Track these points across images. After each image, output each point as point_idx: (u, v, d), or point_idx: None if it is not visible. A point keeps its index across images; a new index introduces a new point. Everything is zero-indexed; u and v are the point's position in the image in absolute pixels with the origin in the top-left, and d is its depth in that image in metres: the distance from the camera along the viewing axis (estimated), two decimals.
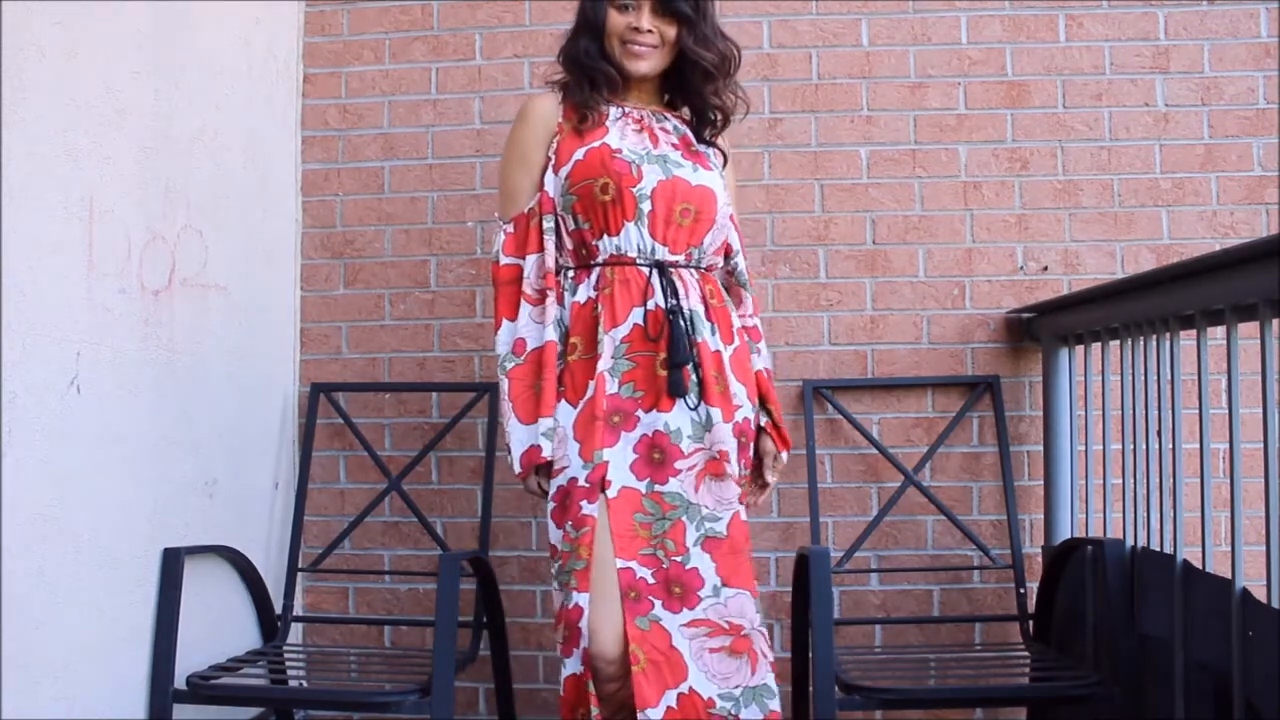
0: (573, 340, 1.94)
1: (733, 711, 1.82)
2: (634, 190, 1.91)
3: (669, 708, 1.79)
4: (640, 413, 1.89)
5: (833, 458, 2.67)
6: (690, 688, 1.81)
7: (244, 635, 2.43)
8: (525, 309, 1.96)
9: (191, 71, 2.25)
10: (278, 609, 2.52)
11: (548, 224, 1.97)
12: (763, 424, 2.02)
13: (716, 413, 1.88)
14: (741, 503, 1.92)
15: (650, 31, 1.94)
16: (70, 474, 1.85)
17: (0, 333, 1.67)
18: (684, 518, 1.86)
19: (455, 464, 2.73)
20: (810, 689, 2.09)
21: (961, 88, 2.71)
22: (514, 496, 2.62)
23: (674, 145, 1.99)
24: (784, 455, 2.04)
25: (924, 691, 2.19)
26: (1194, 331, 1.83)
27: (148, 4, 2.09)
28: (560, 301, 1.97)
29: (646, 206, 1.92)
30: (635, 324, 1.90)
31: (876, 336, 2.68)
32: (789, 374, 2.64)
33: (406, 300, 2.77)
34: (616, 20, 1.95)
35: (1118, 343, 2.18)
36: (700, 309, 1.94)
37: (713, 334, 1.94)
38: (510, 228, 2.00)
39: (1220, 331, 1.76)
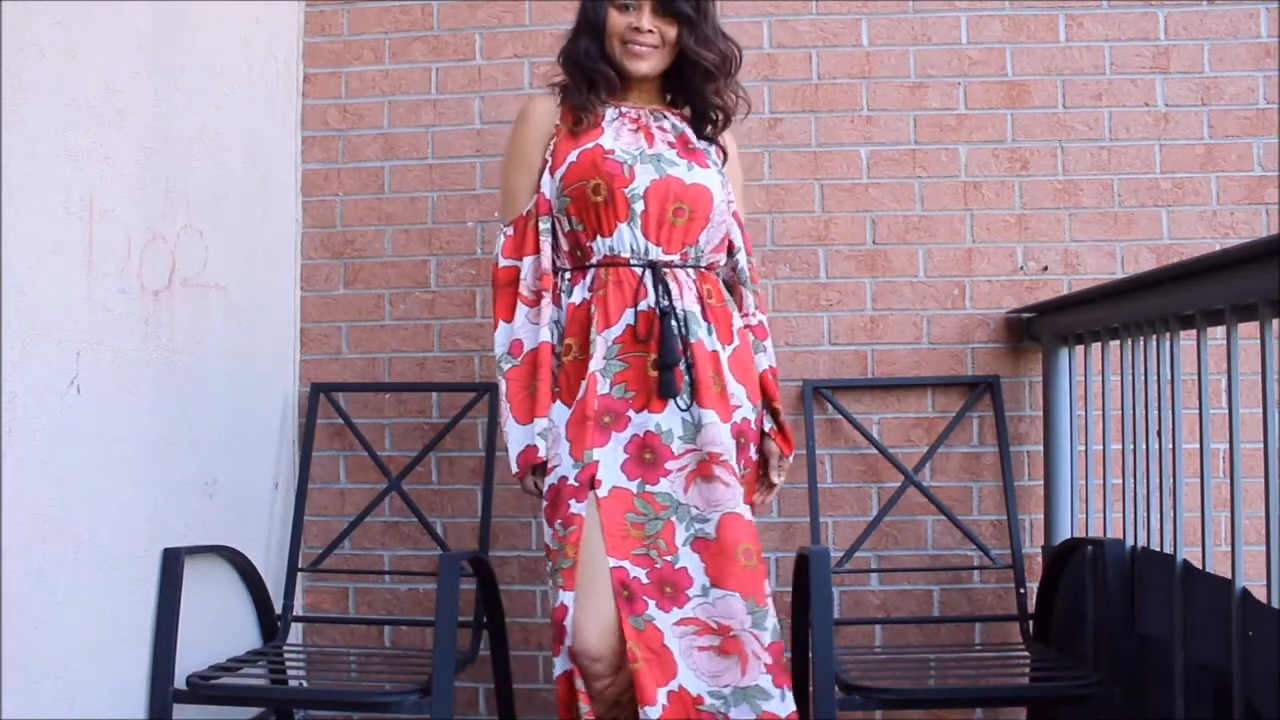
0: (568, 341, 1.95)
1: (721, 710, 1.82)
2: (626, 191, 1.91)
3: (663, 705, 1.80)
4: (631, 413, 1.89)
5: (833, 458, 2.67)
6: (680, 685, 1.82)
7: (244, 635, 2.43)
8: (521, 310, 1.97)
9: (191, 71, 2.25)
10: (278, 609, 2.52)
11: (544, 225, 1.98)
12: (766, 429, 2.01)
13: (708, 414, 1.87)
14: (747, 503, 1.92)
15: (651, 31, 1.95)
16: (70, 474, 1.85)
17: (0, 333, 1.67)
18: (674, 518, 1.87)
19: (455, 464, 2.73)
20: (810, 689, 2.09)
21: (961, 88, 2.71)
22: (514, 496, 2.62)
23: (670, 144, 1.99)
24: (789, 458, 2.03)
25: (924, 691, 2.19)
26: (1194, 331, 1.83)
27: (148, 4, 2.09)
28: (557, 302, 1.98)
29: (639, 206, 1.92)
30: (627, 324, 1.91)
31: (876, 336, 2.68)
32: (789, 374, 2.64)
33: (406, 300, 2.77)
34: (617, 20, 1.95)
35: (1118, 343, 2.18)
36: (696, 309, 1.94)
37: (709, 334, 1.94)
38: (510, 230, 2.01)
39: (1220, 331, 1.76)
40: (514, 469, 1.94)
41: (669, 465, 1.88)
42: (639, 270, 1.93)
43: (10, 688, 1.68)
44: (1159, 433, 2.02)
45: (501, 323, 1.98)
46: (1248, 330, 1.69)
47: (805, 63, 2.73)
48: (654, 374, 1.88)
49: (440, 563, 2.08)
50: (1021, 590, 2.51)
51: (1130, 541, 2.08)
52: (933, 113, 2.71)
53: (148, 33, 2.09)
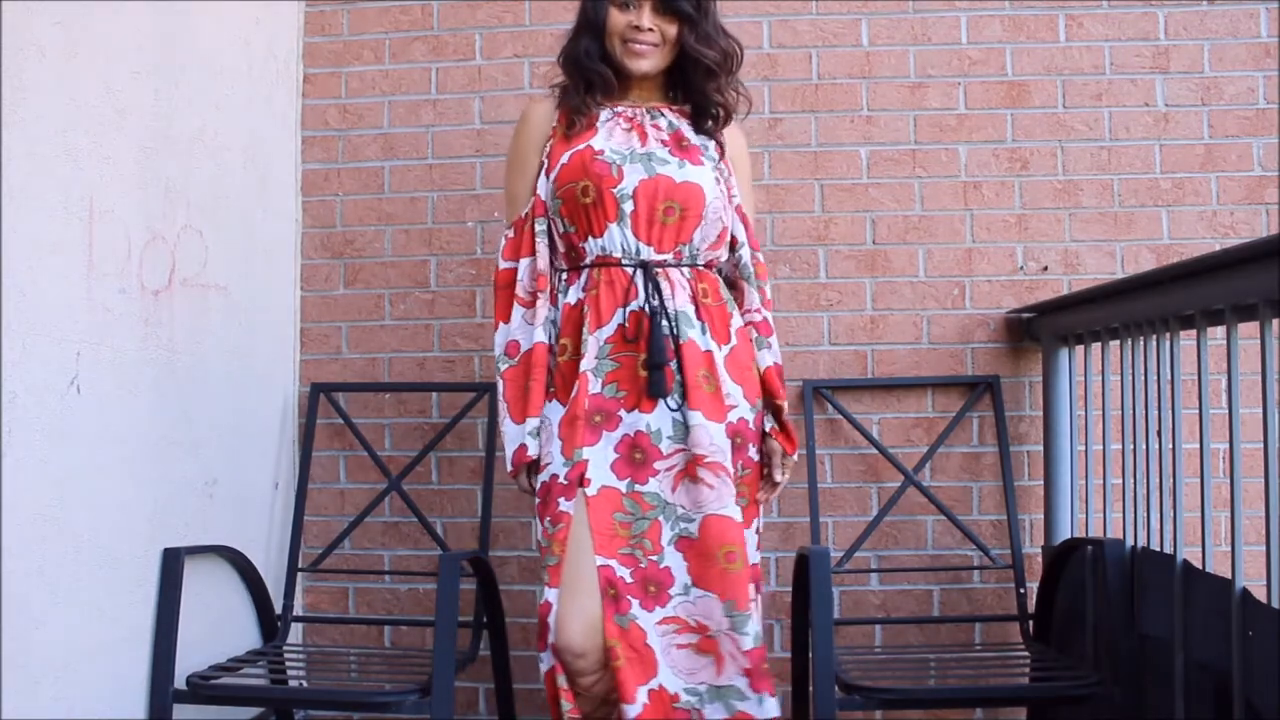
0: (563, 341, 1.96)
1: (696, 707, 1.84)
2: (614, 191, 1.92)
3: (644, 704, 1.81)
4: (622, 412, 1.90)
5: (833, 458, 2.67)
6: (660, 684, 1.84)
7: (244, 635, 2.43)
8: (518, 311, 1.99)
9: (191, 71, 2.25)
10: (278, 609, 2.52)
11: (539, 227, 2.00)
12: (768, 429, 2.00)
13: (695, 415, 1.88)
14: (750, 502, 1.93)
15: (651, 30, 1.95)
16: (70, 474, 1.85)
17: (0, 333, 1.67)
18: (661, 517, 1.88)
19: (455, 464, 2.73)
20: (810, 689, 2.09)
21: (961, 88, 2.71)
22: (514, 496, 2.62)
23: (663, 142, 1.98)
24: (793, 456, 2.01)
25: (924, 691, 2.19)
26: (1194, 331, 1.83)
27: (148, 4, 2.09)
28: (554, 303, 1.99)
29: (629, 207, 1.92)
30: (618, 324, 1.92)
31: (876, 336, 2.68)
32: (789, 374, 2.64)
33: (406, 300, 2.77)
34: (617, 19, 1.96)
35: (1118, 343, 2.18)
36: (689, 308, 1.94)
37: (703, 333, 1.93)
38: (510, 232, 2.03)
39: (1220, 331, 1.76)
40: (509, 467, 1.97)
41: (658, 465, 1.89)
42: (630, 270, 1.94)
43: (10, 688, 1.68)
44: (1159, 433, 2.02)
45: (500, 324, 2.00)
46: (1248, 330, 1.69)
47: (805, 63, 2.73)
48: (644, 374, 1.89)
49: (440, 563, 2.08)
50: (1021, 590, 2.51)
51: (1130, 541, 2.08)
52: (933, 113, 2.71)
53: (148, 33, 2.09)
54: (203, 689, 2.07)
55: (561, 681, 1.84)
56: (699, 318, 1.94)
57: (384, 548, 2.73)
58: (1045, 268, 2.67)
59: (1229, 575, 1.68)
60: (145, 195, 2.08)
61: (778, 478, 2.00)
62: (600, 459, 1.88)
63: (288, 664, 2.46)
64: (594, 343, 1.91)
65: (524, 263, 2.00)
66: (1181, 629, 1.82)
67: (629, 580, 1.85)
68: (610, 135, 1.97)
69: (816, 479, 2.60)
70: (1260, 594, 1.63)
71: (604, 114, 2.00)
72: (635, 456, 1.89)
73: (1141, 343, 2.06)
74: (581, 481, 1.86)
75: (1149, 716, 1.94)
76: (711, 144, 2.03)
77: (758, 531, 1.97)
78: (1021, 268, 2.68)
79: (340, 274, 2.79)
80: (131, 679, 2.03)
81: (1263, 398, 1.60)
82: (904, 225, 2.69)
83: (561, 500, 1.86)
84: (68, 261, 1.85)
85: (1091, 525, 2.36)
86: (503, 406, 1.97)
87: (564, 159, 1.96)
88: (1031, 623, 2.45)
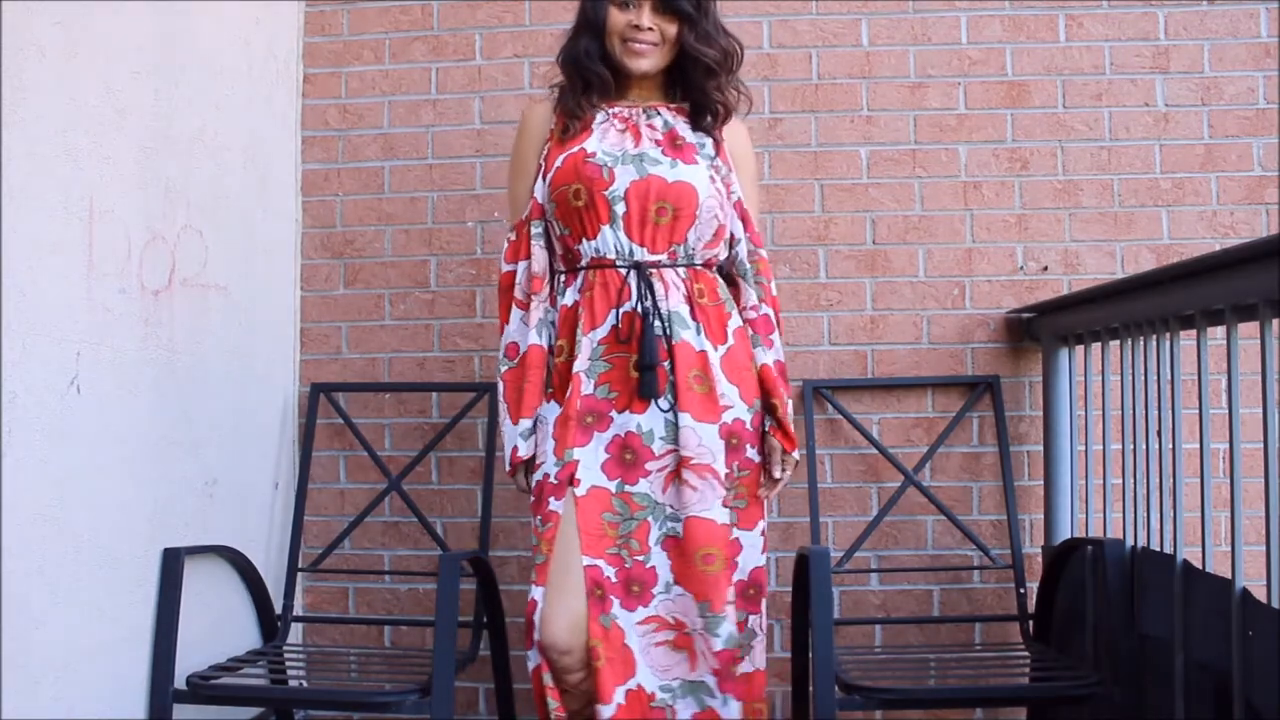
0: (560, 343, 1.98)
1: (669, 703, 1.87)
2: (606, 193, 1.93)
3: (619, 705, 1.83)
4: (614, 413, 1.92)
5: (833, 458, 2.67)
6: (638, 684, 1.86)
7: (244, 635, 2.43)
8: (516, 314, 2.01)
9: (191, 71, 2.25)
10: (278, 609, 2.52)
11: (535, 230, 2.01)
12: (767, 427, 2.00)
13: (685, 417, 1.89)
14: (741, 501, 1.93)
15: (651, 29, 1.96)
16: (70, 474, 1.85)
17: (0, 333, 1.67)
18: (650, 518, 1.90)
19: (455, 464, 2.73)
20: (810, 689, 2.09)
21: (961, 88, 2.71)
22: (514, 496, 2.62)
23: (656, 142, 1.98)
24: (794, 454, 2.00)
25: (924, 691, 2.19)
26: (1194, 331, 1.83)
27: (148, 4, 2.09)
28: (553, 304, 2.02)
29: (620, 208, 1.93)
30: (611, 326, 1.92)
31: (876, 336, 2.68)
32: (789, 374, 2.64)
33: (406, 300, 2.77)
34: (617, 18, 1.96)
35: (1118, 343, 2.18)
36: (683, 309, 1.94)
37: (697, 334, 1.94)
38: (513, 235, 2.05)
39: (1220, 331, 1.76)
40: (507, 467, 2.00)
41: (649, 466, 1.90)
42: (624, 271, 1.94)
43: (10, 688, 1.68)
44: (1159, 433, 2.02)
45: (503, 326, 2.03)
46: (1248, 330, 1.68)
47: (805, 63, 2.73)
48: (635, 375, 1.89)
49: (440, 563, 2.08)
50: (1021, 590, 2.51)
51: (1130, 541, 2.08)
52: (933, 113, 2.71)
53: (148, 33, 2.09)
54: (203, 689, 2.07)
55: (548, 680, 1.86)
56: (694, 318, 1.94)
57: (384, 548, 2.73)
58: (1045, 268, 2.67)
59: (1229, 575, 1.68)
60: (145, 195, 2.08)
61: (776, 474, 1.99)
62: (591, 459, 1.90)
63: (288, 664, 2.46)
64: (587, 344, 1.93)
65: (521, 266, 2.02)
66: (1181, 629, 1.82)
67: (614, 580, 1.87)
68: (604, 137, 1.97)
69: (816, 479, 2.60)
70: (1260, 594, 1.63)
71: (599, 116, 2.00)
72: (626, 457, 1.90)
73: (1141, 343, 2.06)
74: (571, 481, 1.88)
75: (1149, 716, 1.94)
76: (709, 141, 2.02)
77: (762, 533, 1.97)
78: (1021, 268, 2.68)
79: (340, 274, 2.79)
80: (131, 679, 2.03)
81: (1263, 398, 1.60)
82: (904, 225, 2.69)
83: (552, 500, 1.88)
84: (68, 261, 1.85)
85: (1091, 525, 2.36)
86: (503, 407, 2.00)
87: (558, 162, 1.97)
88: (1031, 623, 2.45)
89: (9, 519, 1.69)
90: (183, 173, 2.21)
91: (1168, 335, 1.93)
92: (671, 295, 1.94)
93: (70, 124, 1.85)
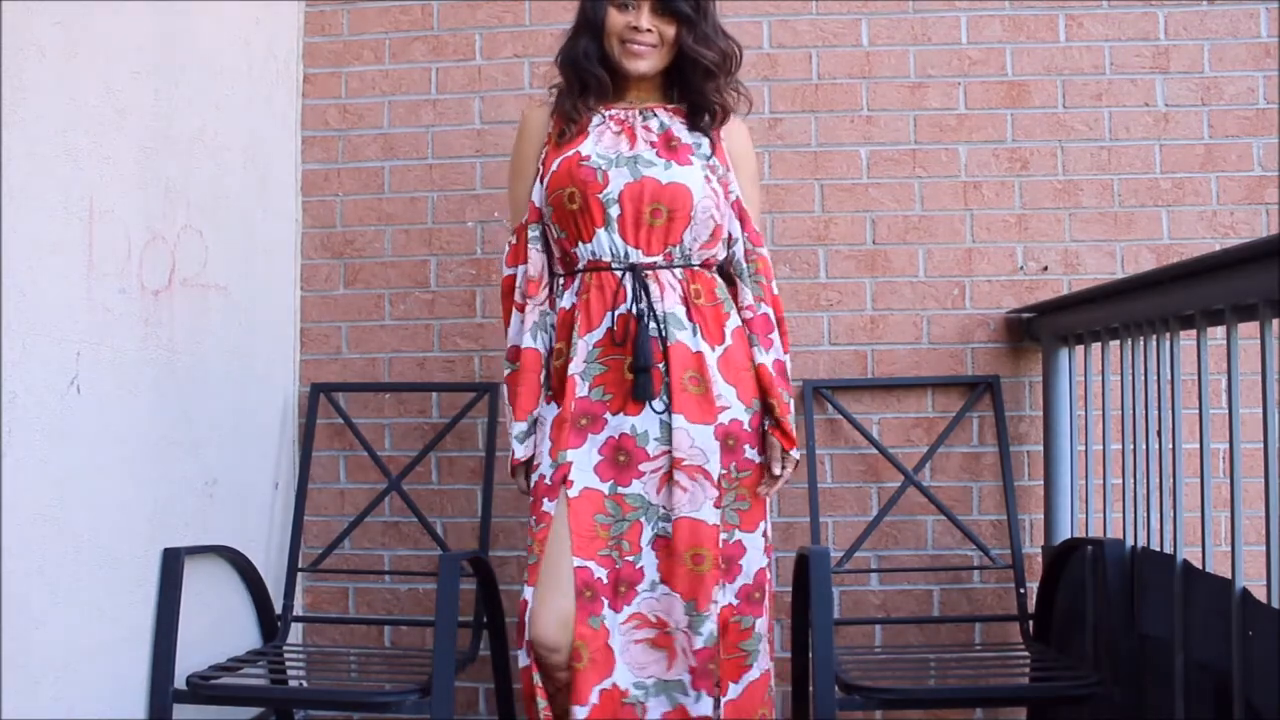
0: (558, 345, 2.00)
1: (641, 700, 1.87)
2: (600, 196, 1.93)
3: (593, 705, 1.84)
4: (608, 415, 1.92)
5: (833, 458, 2.67)
6: (613, 683, 1.87)
7: (244, 635, 2.43)
8: (515, 317, 2.03)
9: (191, 71, 2.25)
10: (278, 609, 2.52)
11: (532, 233, 2.03)
12: (766, 427, 1.99)
13: (678, 418, 1.89)
14: (743, 503, 1.93)
15: (649, 31, 1.95)
16: (70, 474, 1.85)
17: (0, 333, 1.67)
18: (642, 519, 1.91)
19: (455, 464, 2.73)
20: (810, 689, 2.09)
21: (961, 88, 2.71)
22: (514, 496, 2.61)
23: (651, 144, 1.98)
24: (794, 453, 1.99)
25: (924, 691, 2.19)
26: (1194, 331, 1.83)
27: (148, 4, 2.09)
28: (552, 306, 2.03)
29: (615, 211, 1.93)
30: (607, 328, 1.93)
31: (876, 336, 2.68)
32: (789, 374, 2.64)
33: (406, 300, 2.77)
34: (616, 19, 1.96)
35: (1118, 343, 2.18)
36: (679, 310, 1.94)
37: (694, 335, 1.94)
38: (513, 239, 2.06)
39: (1220, 331, 1.76)
40: (509, 468, 2.03)
41: (643, 467, 1.91)
42: (620, 274, 1.94)
43: (10, 688, 1.68)
44: (1159, 433, 2.02)
45: (506, 329, 2.05)
46: (1248, 330, 1.69)
47: (805, 63, 2.73)
48: (630, 377, 1.90)
49: (440, 563, 2.08)
50: (1021, 590, 2.51)
51: (1130, 541, 2.08)
52: (933, 113, 2.70)
53: (148, 33, 2.09)
54: (203, 689, 2.07)
55: (536, 679, 1.87)
56: (690, 319, 1.94)
57: (384, 548, 2.73)
58: (1045, 268, 2.67)
59: (1229, 575, 1.68)
60: (145, 195, 2.08)
61: (776, 471, 1.98)
62: (584, 461, 1.91)
63: (288, 664, 2.46)
64: (583, 346, 1.94)
65: (520, 270, 2.04)
66: (1181, 629, 1.82)
67: (604, 582, 1.88)
68: (599, 140, 1.98)
69: (816, 479, 2.60)
70: (1260, 594, 1.63)
71: (596, 118, 2.01)
72: (619, 459, 1.91)
73: (1141, 343, 2.06)
74: (564, 483, 1.89)
75: (1149, 716, 1.94)
76: (705, 141, 2.02)
77: (764, 534, 1.97)
78: (1021, 268, 2.68)
79: (340, 274, 2.79)
80: (131, 679, 2.03)
81: (1263, 398, 1.60)
82: (904, 225, 2.69)
83: (545, 500, 1.90)
84: (68, 261, 1.85)
85: (1091, 525, 2.36)
86: (507, 409, 2.03)
87: (554, 166, 1.98)
88: (1031, 623, 2.45)
89: (9, 519, 1.69)
90: (183, 173, 2.21)
91: (1168, 335, 1.93)
92: (667, 296, 1.94)
93: (70, 124, 1.85)
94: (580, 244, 1.96)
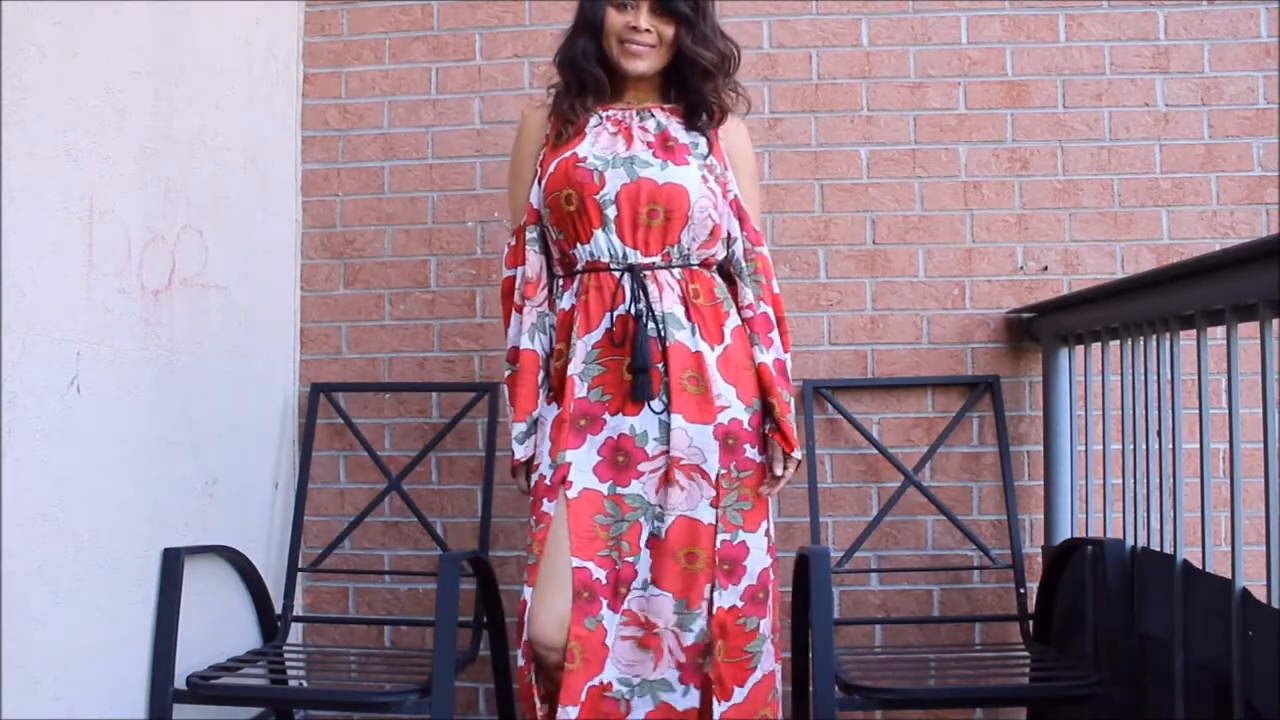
0: (558, 346, 2.00)
1: (626, 697, 1.88)
2: (596, 198, 1.93)
3: (583, 703, 1.84)
4: (607, 416, 1.92)
5: (833, 458, 2.67)
6: (600, 680, 1.87)
7: (244, 635, 2.43)
8: (514, 319, 2.03)
9: (191, 71, 2.25)
10: (278, 609, 2.52)
11: (530, 235, 2.03)
12: (766, 428, 1.99)
13: (677, 418, 1.89)
14: (746, 503, 1.93)
15: (648, 31, 1.95)
16: (70, 474, 1.85)
17: (0, 333, 1.67)
18: (641, 519, 1.91)
19: (455, 464, 2.73)
20: (810, 689, 2.09)
21: (961, 88, 2.71)
22: (514, 496, 2.61)
23: (648, 144, 1.98)
24: (795, 453, 1.98)
25: (924, 691, 2.19)
26: (1194, 331, 1.83)
27: (148, 4, 2.09)
28: (552, 308, 2.04)
29: (612, 212, 1.93)
30: (605, 329, 1.93)
31: (876, 336, 2.68)
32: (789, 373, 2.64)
33: (406, 300, 2.77)
34: (615, 19, 1.96)
35: (1118, 343, 2.18)
36: (678, 310, 1.94)
37: (693, 335, 1.94)
38: (513, 240, 2.07)
39: (1220, 331, 1.76)
40: (510, 468, 2.04)
41: (642, 467, 1.91)
42: (618, 275, 1.94)
43: (10, 688, 1.68)
44: (1159, 433, 2.02)
45: (506, 331, 2.05)
46: (1248, 330, 1.69)
47: (805, 63, 2.73)
48: (629, 378, 1.90)
49: (440, 563, 2.08)
50: (1021, 590, 2.51)
51: (1130, 541, 2.08)
52: (933, 113, 2.70)
53: (148, 33, 2.09)
54: (203, 689, 2.07)
55: (532, 678, 1.88)
56: (689, 319, 1.94)
57: (384, 548, 2.73)
58: (1045, 268, 2.67)
59: (1229, 575, 1.68)
60: (145, 195, 2.08)
61: (777, 471, 1.98)
62: (583, 462, 1.91)
63: (288, 664, 2.46)
64: (581, 347, 1.94)
65: (518, 271, 2.04)
66: (1181, 629, 1.82)
67: (604, 582, 1.88)
68: (595, 141, 1.98)
69: (816, 479, 2.60)
70: (1260, 594, 1.63)
71: (593, 119, 2.01)
72: (618, 459, 1.91)
73: (1141, 343, 2.06)
74: (564, 484, 1.89)
75: (1149, 716, 1.94)
76: (702, 140, 2.02)
77: (768, 534, 1.96)
78: (1021, 268, 2.68)
79: (340, 274, 2.79)
80: (131, 679, 2.03)
81: (1263, 398, 1.60)
82: (904, 225, 2.69)
83: (545, 501, 1.91)
84: (68, 261, 1.85)
85: (1091, 525, 2.36)
86: (508, 409, 2.04)
87: (551, 168, 1.98)
88: (1031, 623, 2.45)
89: (9, 519, 1.69)
90: (183, 173, 2.21)
91: (1168, 335, 1.93)
92: (666, 297, 1.94)
93: (70, 124, 1.85)
94: (578, 245, 1.96)
